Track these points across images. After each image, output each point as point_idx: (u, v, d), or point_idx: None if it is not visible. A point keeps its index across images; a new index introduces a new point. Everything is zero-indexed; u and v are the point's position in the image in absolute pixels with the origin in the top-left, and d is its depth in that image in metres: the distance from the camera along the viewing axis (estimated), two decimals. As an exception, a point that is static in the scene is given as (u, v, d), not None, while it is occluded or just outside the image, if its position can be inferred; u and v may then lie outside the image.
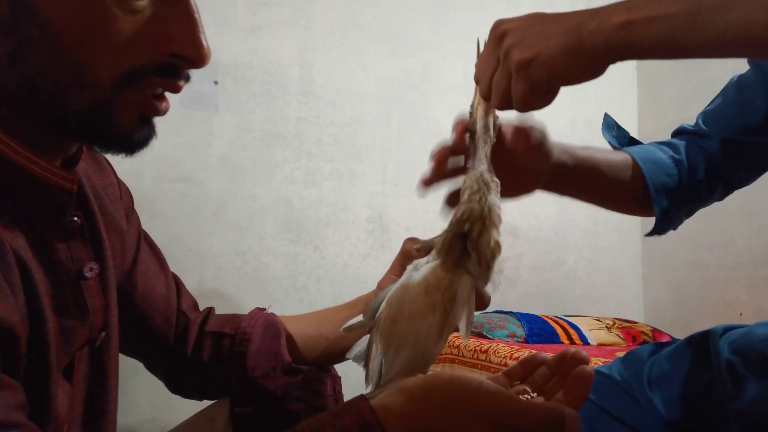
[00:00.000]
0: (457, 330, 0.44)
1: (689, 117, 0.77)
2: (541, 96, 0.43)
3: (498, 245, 0.43)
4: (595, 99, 2.32)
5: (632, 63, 1.83)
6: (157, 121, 0.45)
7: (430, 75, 2.11)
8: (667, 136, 0.79)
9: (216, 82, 1.82)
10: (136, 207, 0.62)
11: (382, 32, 2.06)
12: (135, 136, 0.42)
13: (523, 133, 0.53)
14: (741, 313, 1.98)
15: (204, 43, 0.42)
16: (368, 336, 0.49)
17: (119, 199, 0.57)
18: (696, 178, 0.69)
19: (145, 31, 0.39)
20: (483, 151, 0.47)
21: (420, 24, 2.12)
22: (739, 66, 0.68)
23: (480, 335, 1.72)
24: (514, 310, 1.90)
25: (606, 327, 1.91)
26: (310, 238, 1.89)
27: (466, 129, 0.51)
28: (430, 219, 2.01)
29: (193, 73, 0.44)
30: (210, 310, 0.66)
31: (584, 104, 2.31)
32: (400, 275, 0.50)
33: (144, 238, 0.62)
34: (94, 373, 0.48)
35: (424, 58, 2.11)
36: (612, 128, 0.76)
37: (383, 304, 0.46)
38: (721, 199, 0.73)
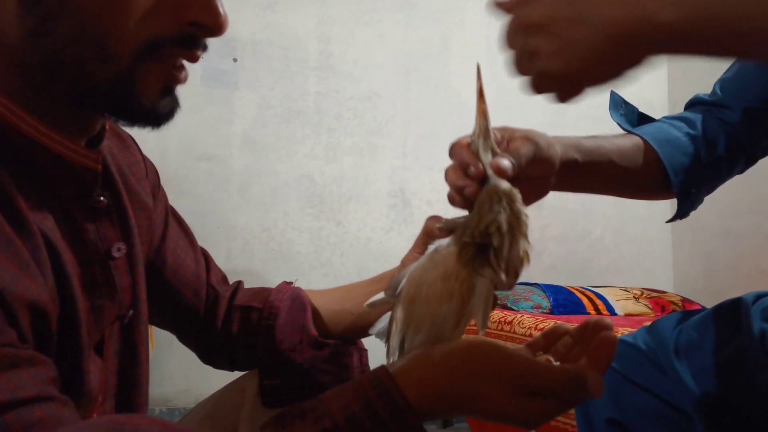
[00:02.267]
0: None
1: (723, 80, 0.72)
2: (567, 100, 0.42)
3: (527, 254, 0.42)
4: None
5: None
6: (179, 99, 0.45)
7: (448, 44, 2.06)
8: (699, 100, 0.76)
9: (235, 60, 1.82)
10: (162, 185, 0.64)
11: (398, 1, 2.01)
12: (160, 109, 0.43)
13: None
14: (775, 282, 1.93)
15: (221, 10, 0.42)
16: (390, 313, 0.49)
17: (145, 177, 0.58)
18: (716, 154, 0.66)
19: (164, 1, 0.40)
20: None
21: (439, -9, 2.06)
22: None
23: (505, 307, 1.73)
24: (539, 282, 1.89)
25: (634, 297, 1.88)
26: (333, 213, 1.91)
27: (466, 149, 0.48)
28: (453, 191, 1.99)
29: (213, 50, 0.45)
30: (239, 284, 0.68)
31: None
32: (422, 253, 0.50)
33: (172, 214, 0.64)
34: (125, 348, 0.50)
35: (442, 26, 2.06)
36: (619, 106, 0.72)
37: (403, 282, 0.47)
38: (742, 171, 0.69)
